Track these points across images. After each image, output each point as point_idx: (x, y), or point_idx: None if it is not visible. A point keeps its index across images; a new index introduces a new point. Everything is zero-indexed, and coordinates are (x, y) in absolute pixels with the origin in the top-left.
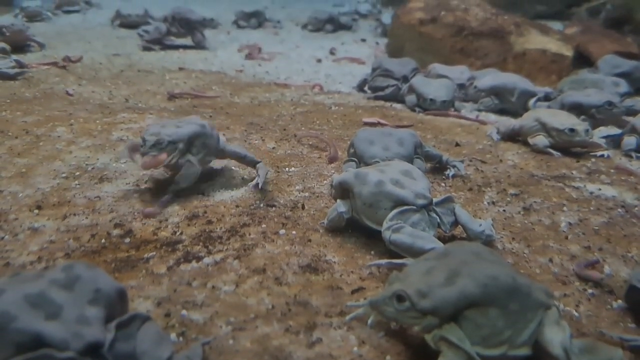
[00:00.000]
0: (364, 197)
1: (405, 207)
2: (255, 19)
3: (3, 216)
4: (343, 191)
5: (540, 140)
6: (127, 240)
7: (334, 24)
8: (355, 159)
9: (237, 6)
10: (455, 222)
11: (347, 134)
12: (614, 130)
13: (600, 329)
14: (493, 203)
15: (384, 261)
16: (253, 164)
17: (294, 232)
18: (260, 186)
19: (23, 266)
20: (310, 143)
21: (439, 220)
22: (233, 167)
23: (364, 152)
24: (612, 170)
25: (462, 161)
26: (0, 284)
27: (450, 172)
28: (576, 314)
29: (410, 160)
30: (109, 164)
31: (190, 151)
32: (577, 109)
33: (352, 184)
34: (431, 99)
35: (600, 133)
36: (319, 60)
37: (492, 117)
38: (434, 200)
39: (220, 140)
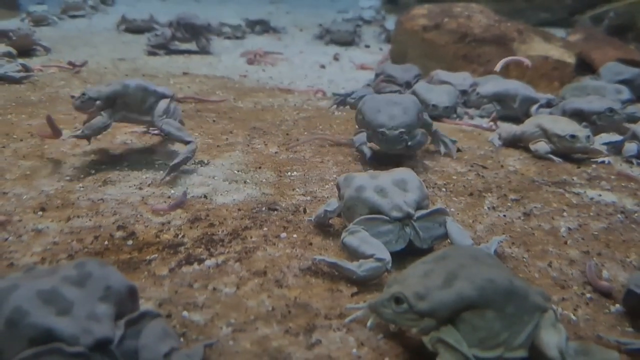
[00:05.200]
0: (345, 199)
1: (376, 216)
2: (259, 26)
3: (7, 217)
4: (339, 191)
5: (542, 146)
6: (130, 242)
7: None
8: (365, 129)
9: (242, 12)
10: (445, 236)
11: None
12: (615, 137)
13: (597, 332)
14: (493, 208)
15: (330, 259)
16: (182, 142)
17: (295, 235)
18: (172, 168)
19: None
20: (312, 148)
21: (414, 235)
22: (236, 171)
23: (371, 120)
24: (612, 177)
25: (454, 141)
26: (14, 279)
27: (442, 148)
28: (574, 317)
29: (415, 127)
30: (113, 167)
31: (112, 107)
32: (578, 115)
33: (341, 185)
34: (434, 105)
35: (602, 139)
36: (323, 66)
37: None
38: (422, 213)
39: (155, 110)
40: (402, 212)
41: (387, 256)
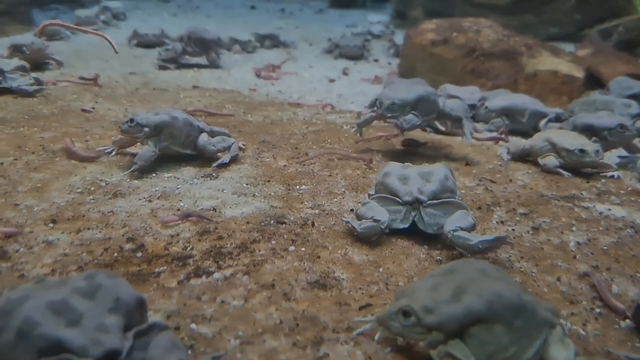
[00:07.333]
0: (376, 183)
1: (389, 196)
2: (269, 40)
3: (19, 229)
4: None
5: (551, 160)
6: (139, 254)
7: None
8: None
9: (251, 26)
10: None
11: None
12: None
13: (607, 347)
14: (502, 222)
15: (346, 218)
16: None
17: (303, 248)
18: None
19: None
20: (321, 162)
21: (418, 218)
22: (245, 185)
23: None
24: (622, 191)
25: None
26: (25, 290)
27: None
28: (583, 332)
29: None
30: (123, 179)
31: (158, 136)
32: (589, 130)
33: (379, 173)
34: None
35: (612, 154)
36: (332, 80)
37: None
38: (434, 201)
39: (198, 133)
40: (412, 197)
41: (384, 218)
